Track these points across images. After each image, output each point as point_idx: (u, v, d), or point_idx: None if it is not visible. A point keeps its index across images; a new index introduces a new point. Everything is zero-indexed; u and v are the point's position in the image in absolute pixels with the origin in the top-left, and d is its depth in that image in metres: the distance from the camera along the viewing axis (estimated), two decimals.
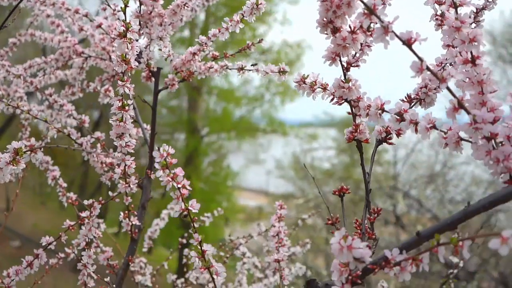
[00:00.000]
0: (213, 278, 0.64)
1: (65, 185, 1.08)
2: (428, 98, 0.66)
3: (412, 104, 0.69)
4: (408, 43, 0.50)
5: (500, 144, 0.51)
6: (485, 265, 5.96)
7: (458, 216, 0.50)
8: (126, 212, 0.95)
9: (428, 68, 0.50)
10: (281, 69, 0.82)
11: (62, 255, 1.07)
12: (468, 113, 0.51)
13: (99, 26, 1.04)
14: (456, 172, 7.64)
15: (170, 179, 0.61)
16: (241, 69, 0.94)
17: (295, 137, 11.17)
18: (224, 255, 1.30)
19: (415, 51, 0.50)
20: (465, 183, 7.46)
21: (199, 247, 0.64)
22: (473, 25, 0.72)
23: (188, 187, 0.62)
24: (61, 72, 1.36)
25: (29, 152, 0.66)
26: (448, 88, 0.51)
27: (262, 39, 0.99)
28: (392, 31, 0.50)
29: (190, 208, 0.63)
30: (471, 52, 0.53)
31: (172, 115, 12.07)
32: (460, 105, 0.51)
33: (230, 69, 0.96)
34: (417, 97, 0.68)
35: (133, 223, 0.97)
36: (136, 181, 0.90)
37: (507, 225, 5.77)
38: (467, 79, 0.54)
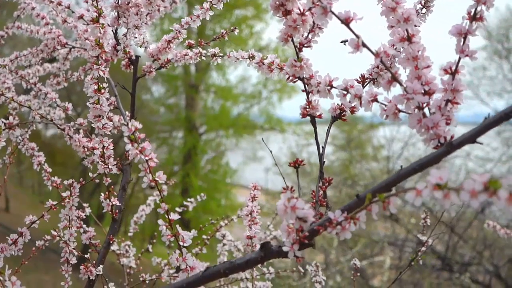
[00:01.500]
0: (179, 245, 0.69)
1: (50, 170, 1.13)
2: (380, 78, 0.71)
3: (366, 83, 0.74)
4: (346, 22, 0.55)
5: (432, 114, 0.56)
6: (479, 258, 6.02)
7: (392, 178, 0.55)
8: (107, 193, 1.00)
9: (363, 44, 0.55)
10: (251, 55, 0.87)
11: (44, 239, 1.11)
12: (401, 85, 0.56)
13: (81, 17, 1.09)
14: (452, 166, 7.71)
15: (138, 152, 0.66)
16: (214, 55, 0.99)
17: (292, 134, 11.21)
18: (206, 237, 1.35)
19: (353, 29, 0.55)
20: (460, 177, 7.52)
21: (166, 216, 0.69)
22: (424, 10, 0.77)
23: (155, 160, 0.67)
24: (49, 64, 1.41)
25: (7, 130, 0.71)
26: (382, 63, 0.56)
27: (235, 28, 1.04)
28: (331, 11, 0.55)
29: (157, 179, 0.68)
30: (407, 30, 0.58)
31: (170, 113, 12.12)
32: (393, 78, 0.56)
33: (204, 56, 1.01)
34: (370, 76, 0.73)
35: (114, 203, 1.02)
36: (115, 163, 0.95)
37: (500, 216, 5.83)
38: (403, 55, 0.59)
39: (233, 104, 12.43)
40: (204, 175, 11.71)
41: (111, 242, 1.04)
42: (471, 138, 0.52)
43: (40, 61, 1.23)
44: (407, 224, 6.00)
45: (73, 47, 1.23)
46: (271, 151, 0.91)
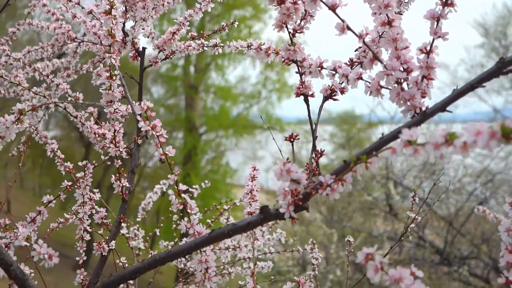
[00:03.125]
0: (187, 213, 0.77)
1: (62, 156, 1.20)
2: (364, 58, 0.79)
3: (354, 66, 0.81)
4: (333, 8, 0.63)
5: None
6: (476, 252, 6.10)
7: (374, 144, 0.63)
8: (118, 175, 1.08)
9: (348, 28, 0.63)
10: (249, 44, 0.95)
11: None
12: (382, 63, 0.64)
13: (90, 12, 1.16)
14: (451, 163, 7.79)
15: (150, 128, 0.74)
16: (215, 45, 1.07)
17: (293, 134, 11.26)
18: (210, 220, 1.43)
19: (338, 14, 0.63)
20: (459, 173, 7.60)
21: (175, 187, 0.77)
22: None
23: (165, 136, 0.75)
24: (57, 60, 1.48)
25: (31, 111, 0.78)
26: (365, 43, 0.64)
27: (235, 21, 1.12)
28: None
29: (167, 152, 0.75)
30: (387, 16, 0.66)
31: (170, 114, 12.19)
32: (375, 57, 0.64)
33: (206, 47, 1.09)
34: (358, 60, 0.81)
35: (124, 185, 1.09)
36: (125, 146, 1.03)
37: (497, 210, 5.90)
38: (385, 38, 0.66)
39: (233, 104, 12.51)
40: (205, 175, 11.77)
41: (121, 221, 1.11)
42: (442, 107, 0.60)
43: (51, 55, 1.31)
44: (404, 218, 6.07)
45: (82, 41, 1.31)
46: (279, 150, 0.95)
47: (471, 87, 0.58)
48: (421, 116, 0.60)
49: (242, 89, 12.53)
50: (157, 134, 0.75)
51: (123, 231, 1.41)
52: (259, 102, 12.15)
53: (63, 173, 1.18)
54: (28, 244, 0.74)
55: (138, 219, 1.55)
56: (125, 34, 1.11)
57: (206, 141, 12.11)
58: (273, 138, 1.12)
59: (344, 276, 5.26)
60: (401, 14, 0.82)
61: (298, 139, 0.79)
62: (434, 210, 6.80)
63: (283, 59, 0.76)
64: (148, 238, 1.47)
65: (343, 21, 0.63)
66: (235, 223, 0.70)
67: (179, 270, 1.51)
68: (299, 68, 0.75)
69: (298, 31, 0.74)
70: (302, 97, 0.80)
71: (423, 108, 0.63)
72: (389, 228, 7.05)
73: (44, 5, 1.31)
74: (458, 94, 0.59)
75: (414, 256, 6.15)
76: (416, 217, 1.20)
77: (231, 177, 11.83)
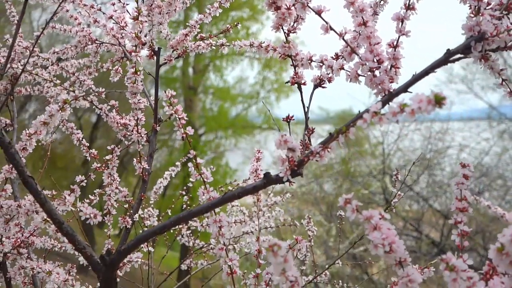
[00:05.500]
0: (204, 181, 0.94)
1: (87, 144, 1.37)
2: (345, 52, 0.95)
3: (340, 59, 0.98)
4: (319, 13, 0.80)
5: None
6: (471, 243, 6.28)
7: (354, 118, 0.79)
8: (138, 158, 1.25)
9: (331, 28, 0.80)
10: (251, 43, 1.12)
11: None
12: (358, 55, 0.81)
13: (111, 17, 1.33)
14: (448, 158, 7.98)
15: (173, 112, 0.91)
16: (222, 45, 1.24)
17: (291, 133, 11.43)
18: None
19: (324, 17, 0.80)
20: (454, 168, 7.78)
21: (194, 160, 0.94)
22: (382, 2, 1.02)
23: (185, 118, 0.92)
24: (75, 61, 1.65)
25: (74, 100, 0.95)
26: (344, 40, 0.81)
27: (238, 23, 1.29)
28: (308, 6, 0.80)
29: (187, 131, 0.92)
30: (362, 18, 0.83)
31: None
32: (352, 51, 0.81)
33: (214, 46, 1.26)
34: (342, 54, 0.98)
35: (144, 167, 1.26)
36: (146, 132, 1.20)
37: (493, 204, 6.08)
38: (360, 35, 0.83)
39: (231, 105, 12.66)
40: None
41: (142, 198, 1.28)
42: (403, 89, 0.77)
43: (75, 55, 1.48)
44: (400, 212, 6.25)
45: (102, 43, 1.48)
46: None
47: (425, 73, 0.75)
48: (388, 96, 0.77)
49: (241, 90, 12.70)
50: (179, 116, 0.92)
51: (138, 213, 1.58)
52: (257, 102, 12.32)
53: (89, 158, 1.34)
54: (73, 209, 0.91)
55: (151, 202, 1.72)
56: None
57: (206, 142, 12.27)
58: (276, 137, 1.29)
59: (342, 269, 5.43)
60: (377, 15, 0.99)
61: (294, 119, 0.96)
62: (430, 204, 6.99)
63: (280, 54, 0.92)
64: (161, 217, 1.64)
65: (327, 23, 0.80)
66: (244, 187, 0.87)
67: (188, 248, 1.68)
68: (293, 61, 0.92)
69: (291, 31, 0.91)
70: (299, 92, 0.96)
71: (391, 91, 0.80)
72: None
73: (67, 10, 1.48)
74: (415, 79, 0.76)
75: (411, 249, 6.33)
76: (399, 193, 1.37)
77: (231, 177, 11.98)
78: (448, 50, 0.74)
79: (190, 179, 1.00)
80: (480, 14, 0.74)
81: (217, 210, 0.93)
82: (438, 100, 0.58)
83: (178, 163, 1.82)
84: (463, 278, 0.62)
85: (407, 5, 0.82)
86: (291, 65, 0.93)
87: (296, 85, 0.93)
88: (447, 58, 0.74)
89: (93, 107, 1.30)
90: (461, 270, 0.62)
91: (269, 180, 0.86)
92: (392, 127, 7.93)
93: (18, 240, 1.13)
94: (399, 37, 0.82)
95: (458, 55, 0.75)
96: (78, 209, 0.90)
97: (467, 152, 8.07)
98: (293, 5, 0.86)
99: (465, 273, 0.62)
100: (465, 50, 0.73)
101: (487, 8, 0.76)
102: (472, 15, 0.74)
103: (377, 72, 0.82)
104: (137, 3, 1.03)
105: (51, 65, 1.44)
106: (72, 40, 1.54)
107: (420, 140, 8.19)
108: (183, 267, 1.74)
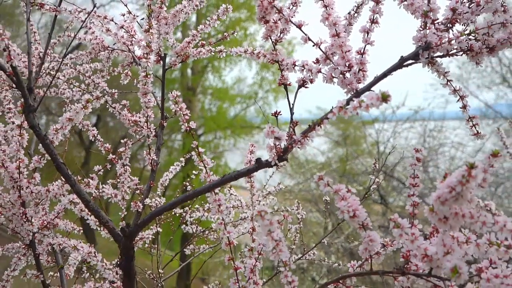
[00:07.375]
0: (205, 166, 1.12)
1: (102, 140, 1.55)
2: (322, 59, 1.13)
3: (320, 63, 1.16)
4: (299, 26, 0.98)
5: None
6: None
7: (325, 114, 0.97)
8: (148, 150, 1.43)
9: (309, 39, 0.98)
10: (246, 50, 1.30)
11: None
12: (331, 61, 0.99)
13: (122, 27, 1.51)
14: (443, 156, 8.17)
15: (178, 109, 1.09)
16: (220, 51, 1.42)
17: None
18: None
19: (303, 30, 0.98)
20: (453, 166, 7.97)
21: (196, 150, 1.12)
22: (355, 14, 1.20)
23: (189, 114, 1.10)
24: (86, 65, 1.84)
25: (96, 99, 1.13)
26: (320, 49, 0.99)
27: (235, 31, 1.47)
28: (290, 20, 0.98)
29: (190, 125, 1.10)
30: (335, 30, 1.01)
31: (168, 116, 12.52)
32: (327, 57, 0.99)
33: (214, 52, 1.44)
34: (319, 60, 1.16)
35: (153, 158, 1.44)
36: (154, 127, 1.38)
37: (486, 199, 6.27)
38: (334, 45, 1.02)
39: (230, 105, 12.82)
40: None
41: (151, 186, 1.46)
42: (367, 88, 0.95)
43: (90, 60, 1.66)
44: (395, 208, 6.44)
45: (114, 49, 1.66)
46: None
47: (384, 75, 0.94)
48: (355, 94, 0.95)
49: (239, 90, 12.87)
50: (183, 113, 1.10)
51: (147, 201, 1.77)
52: (255, 103, 12.49)
53: (104, 152, 1.52)
54: (96, 191, 1.09)
55: (158, 193, 1.90)
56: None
57: (205, 142, 12.43)
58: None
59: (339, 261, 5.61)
60: (352, 25, 1.17)
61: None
62: (424, 200, 7.16)
63: (268, 60, 1.10)
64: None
65: (306, 34, 0.98)
66: (239, 170, 1.05)
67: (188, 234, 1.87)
68: (280, 66, 1.10)
69: (278, 41, 1.09)
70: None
71: (359, 90, 0.98)
72: (379, 217, 7.43)
73: (83, 21, 1.66)
74: (376, 80, 0.94)
75: None
76: (377, 180, 1.55)
77: None
78: (401, 57, 0.92)
79: (191, 176, 1.18)
80: (427, 28, 0.92)
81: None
82: (385, 97, 0.76)
83: (182, 159, 2.00)
84: (408, 233, 0.80)
85: (371, 19, 1.00)
86: (278, 69, 1.12)
87: (283, 86, 1.10)
88: (401, 63, 0.92)
89: (107, 106, 1.48)
90: (406, 227, 0.80)
91: (260, 164, 1.04)
92: (387, 126, 8.12)
93: (44, 221, 1.31)
94: (365, 46, 1.00)
95: (410, 61, 0.93)
96: (101, 190, 1.08)
97: (461, 150, 8.27)
98: (279, 19, 1.04)
99: (409, 229, 0.80)
100: (414, 56, 0.92)
101: (436, 21, 0.95)
102: (420, 29, 0.92)
103: (347, 75, 1.00)
104: (149, 17, 1.21)
105: (69, 69, 1.62)
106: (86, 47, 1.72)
107: (416, 138, 8.40)
108: (187, 251, 1.92)
